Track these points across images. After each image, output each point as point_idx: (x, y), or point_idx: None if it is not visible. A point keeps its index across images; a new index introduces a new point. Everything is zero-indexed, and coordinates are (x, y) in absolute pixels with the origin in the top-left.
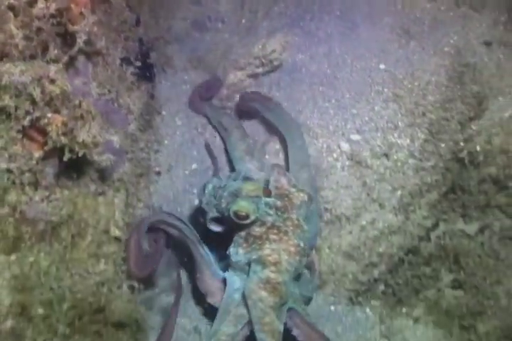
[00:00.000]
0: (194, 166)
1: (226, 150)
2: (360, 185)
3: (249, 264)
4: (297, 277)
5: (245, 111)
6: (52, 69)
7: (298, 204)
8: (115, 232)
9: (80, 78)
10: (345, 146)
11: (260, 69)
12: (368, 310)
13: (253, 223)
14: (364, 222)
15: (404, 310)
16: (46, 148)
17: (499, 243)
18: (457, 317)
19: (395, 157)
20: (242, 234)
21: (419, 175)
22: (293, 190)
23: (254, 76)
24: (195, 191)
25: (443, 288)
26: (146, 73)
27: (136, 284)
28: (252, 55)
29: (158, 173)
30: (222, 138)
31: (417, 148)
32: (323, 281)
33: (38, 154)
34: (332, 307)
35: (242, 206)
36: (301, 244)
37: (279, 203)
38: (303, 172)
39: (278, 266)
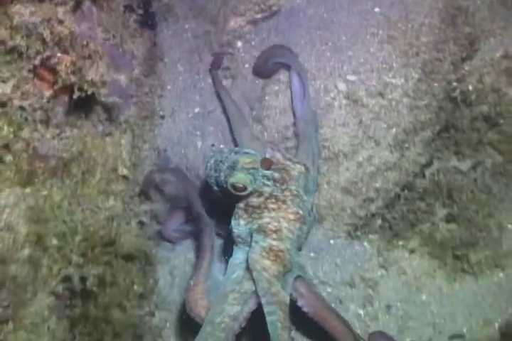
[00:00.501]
0: (197, 110)
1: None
2: (356, 123)
3: (251, 235)
4: (300, 245)
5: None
6: (60, 10)
7: (296, 176)
8: (123, 171)
9: (85, 23)
10: (342, 86)
11: (259, 15)
12: (365, 243)
13: (251, 194)
14: (361, 159)
15: (400, 242)
16: (56, 87)
17: (491, 179)
18: (451, 248)
19: (390, 96)
20: (241, 205)
21: (413, 113)
22: (289, 163)
23: (254, 22)
24: (198, 133)
25: (437, 221)
26: (148, 21)
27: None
28: (251, 1)
29: (162, 117)
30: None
31: (411, 87)
32: (322, 216)
33: (48, 93)
34: (331, 241)
35: (239, 177)
36: (300, 212)
37: (277, 175)
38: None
39: (279, 233)
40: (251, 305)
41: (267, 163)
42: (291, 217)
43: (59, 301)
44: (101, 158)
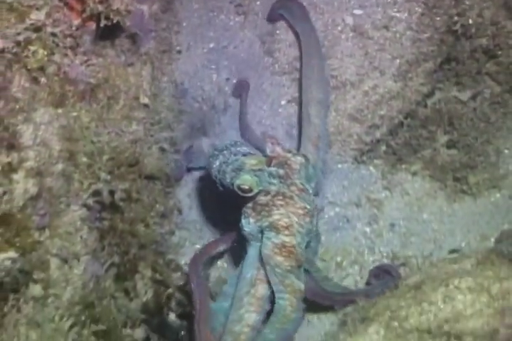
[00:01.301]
0: (211, 45)
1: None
2: (362, 54)
3: (261, 232)
4: (310, 239)
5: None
6: None
7: (297, 169)
8: (144, 100)
9: None
10: (349, 20)
11: None
12: (371, 167)
13: (258, 194)
14: (367, 88)
15: (403, 166)
16: (84, 15)
17: (489, 108)
18: (451, 170)
19: (394, 29)
20: (249, 205)
21: (416, 45)
22: (289, 155)
23: None
24: (213, 67)
25: (438, 147)
26: None
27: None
28: None
29: (179, 52)
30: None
31: (415, 21)
32: (330, 142)
33: (77, 22)
34: (339, 165)
35: (245, 180)
36: (308, 206)
37: (281, 171)
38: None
39: (290, 229)
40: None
41: (268, 160)
42: (300, 211)
43: (90, 213)
44: (124, 86)
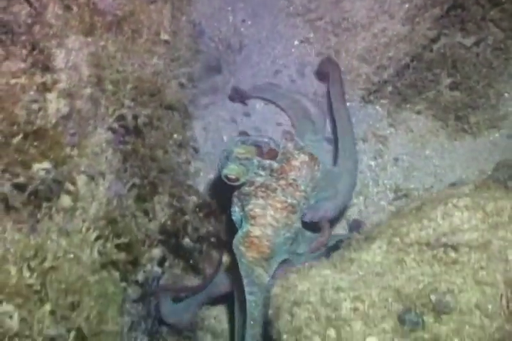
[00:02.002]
0: None
1: None
2: None
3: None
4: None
5: None
6: None
7: (297, 166)
8: (165, 36)
9: None
10: None
11: None
12: (377, 106)
13: (244, 184)
14: (376, 30)
15: (408, 106)
16: None
17: (492, 54)
18: (453, 110)
19: None
20: (236, 193)
21: None
22: (296, 152)
23: None
24: (229, 8)
25: (442, 89)
26: None
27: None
28: None
29: None
30: None
31: None
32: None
33: None
34: (347, 104)
35: (232, 169)
36: (289, 201)
37: (276, 165)
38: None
39: (259, 219)
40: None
41: (272, 153)
42: (278, 205)
43: (114, 136)
44: (147, 21)
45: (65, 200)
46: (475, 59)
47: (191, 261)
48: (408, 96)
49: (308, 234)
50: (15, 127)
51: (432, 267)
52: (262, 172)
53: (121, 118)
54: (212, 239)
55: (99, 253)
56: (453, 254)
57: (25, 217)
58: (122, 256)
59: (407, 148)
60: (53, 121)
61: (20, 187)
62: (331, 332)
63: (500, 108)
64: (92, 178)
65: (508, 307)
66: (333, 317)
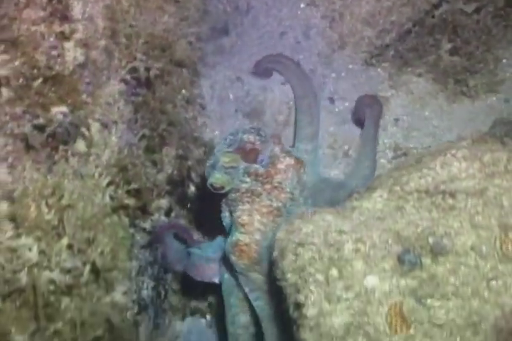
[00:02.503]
0: None
1: None
2: None
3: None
4: None
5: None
6: None
7: (282, 169)
8: None
9: None
10: None
11: None
12: (379, 69)
13: (230, 191)
14: None
15: (409, 69)
16: None
17: (492, 21)
18: (452, 74)
19: None
20: (224, 200)
21: None
22: (282, 155)
23: None
24: None
25: (442, 54)
26: None
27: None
28: None
29: None
30: None
31: None
32: (344, 42)
33: None
34: (350, 66)
35: (217, 178)
36: (274, 205)
37: (261, 170)
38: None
39: (247, 227)
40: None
41: (253, 153)
42: (264, 210)
43: (127, 88)
44: None
45: (80, 145)
46: (475, 25)
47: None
48: (409, 60)
49: None
50: (35, 71)
51: (431, 212)
52: (247, 179)
53: (133, 70)
54: None
55: (111, 197)
56: (450, 201)
57: (43, 158)
58: (132, 201)
59: (407, 109)
60: (70, 68)
61: (39, 128)
62: (333, 272)
63: (498, 73)
64: (105, 126)
65: (501, 248)
66: (336, 258)
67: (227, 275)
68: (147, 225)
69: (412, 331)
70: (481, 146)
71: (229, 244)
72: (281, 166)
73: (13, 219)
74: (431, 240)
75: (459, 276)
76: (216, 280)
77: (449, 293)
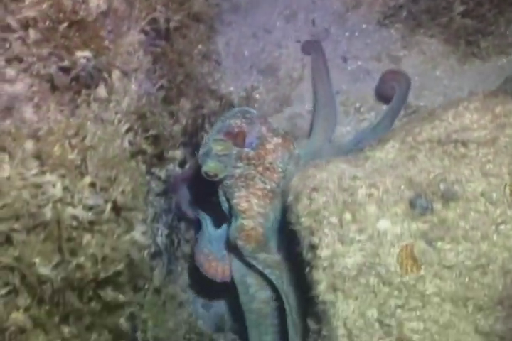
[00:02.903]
0: None
1: None
2: None
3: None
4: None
5: None
6: None
7: (271, 149)
8: None
9: None
10: None
11: None
12: (392, 30)
13: (225, 178)
14: None
15: (421, 30)
16: None
17: None
18: (464, 36)
19: None
20: (220, 186)
21: None
22: (269, 134)
23: None
24: None
25: (455, 16)
26: None
27: None
28: None
29: None
30: None
31: None
32: (358, 2)
33: None
34: (364, 26)
35: (210, 166)
36: (268, 187)
37: (251, 153)
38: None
39: (248, 212)
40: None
41: (240, 137)
42: (259, 193)
43: (146, 39)
44: None
45: (101, 91)
46: None
47: None
48: (422, 22)
49: None
50: (61, 15)
51: (442, 161)
52: (240, 164)
53: (153, 21)
54: None
55: (130, 143)
56: (462, 149)
57: (67, 100)
58: (149, 148)
59: (418, 69)
60: (94, 15)
61: (64, 70)
62: (347, 215)
63: (509, 35)
64: (125, 74)
65: (510, 195)
66: (350, 202)
67: (236, 260)
68: (162, 174)
69: (422, 272)
70: (492, 100)
71: (234, 229)
72: (269, 146)
73: (38, 157)
74: (442, 186)
75: (469, 221)
76: (227, 280)
77: (458, 237)
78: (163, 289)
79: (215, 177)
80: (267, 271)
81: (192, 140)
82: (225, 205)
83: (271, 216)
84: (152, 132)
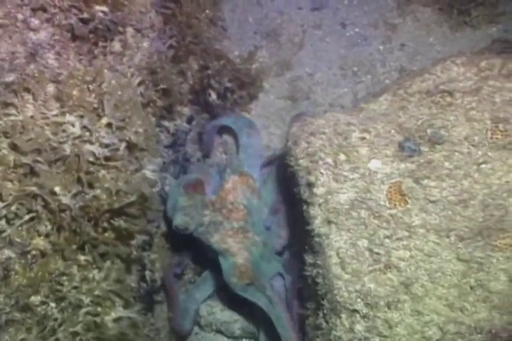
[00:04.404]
0: None
1: None
2: None
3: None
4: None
5: None
6: None
7: (230, 188)
8: None
9: None
10: None
11: None
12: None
13: (195, 228)
14: None
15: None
16: None
17: None
18: (457, 5)
19: None
20: (194, 233)
21: None
22: (226, 176)
23: None
24: None
25: None
26: None
27: None
28: None
29: None
30: None
31: None
32: None
33: None
34: None
35: (179, 221)
36: (236, 225)
37: (213, 197)
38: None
39: (230, 250)
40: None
41: (199, 186)
42: (230, 232)
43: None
44: None
45: (116, 45)
46: None
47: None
48: None
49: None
50: None
51: (430, 109)
52: (206, 212)
53: None
54: (235, 96)
55: (141, 94)
56: (448, 98)
57: (85, 51)
58: (160, 100)
59: (413, 36)
60: None
61: (84, 22)
62: (341, 156)
63: (499, 6)
64: (138, 31)
65: (491, 138)
66: (344, 144)
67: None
68: (171, 128)
69: (409, 206)
70: (478, 56)
71: (226, 270)
72: (228, 186)
73: (58, 99)
74: (429, 131)
75: (453, 161)
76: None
77: (443, 175)
78: None
79: (186, 230)
80: (257, 301)
81: (199, 98)
82: (207, 251)
83: (252, 249)
84: (162, 86)
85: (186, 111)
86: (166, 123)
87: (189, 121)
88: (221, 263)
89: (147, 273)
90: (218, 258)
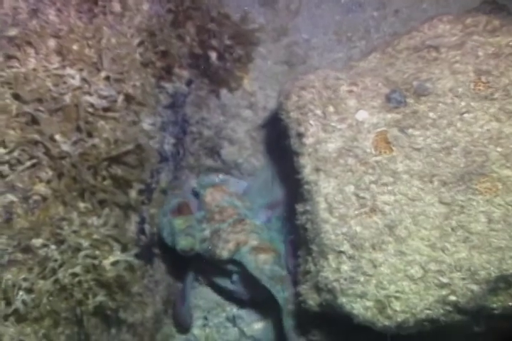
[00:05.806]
0: None
1: None
2: None
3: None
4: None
5: None
6: None
7: (209, 200)
8: None
9: None
10: None
11: None
12: None
13: (200, 247)
14: None
15: None
16: None
17: None
18: None
19: None
20: (201, 251)
21: None
22: (202, 191)
23: None
24: None
25: None
26: None
27: None
28: None
29: None
30: None
31: None
32: None
33: None
34: None
35: (183, 244)
36: (232, 221)
37: (203, 213)
38: None
39: (242, 239)
40: None
41: (185, 207)
42: (229, 229)
43: None
44: None
45: (116, 6)
46: None
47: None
48: None
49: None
50: None
51: (416, 63)
52: (204, 225)
53: None
54: (235, 55)
55: (141, 55)
56: (434, 53)
57: (85, 9)
58: (159, 60)
59: (406, 2)
60: None
61: None
62: (330, 108)
63: None
64: None
65: (474, 89)
66: (333, 97)
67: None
68: (170, 90)
69: (394, 153)
70: (464, 15)
71: (246, 253)
72: (208, 198)
73: (59, 53)
74: (415, 83)
75: (437, 111)
76: None
77: (427, 124)
78: None
79: (192, 251)
80: (268, 284)
81: (198, 62)
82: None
83: (258, 231)
84: (161, 48)
85: (185, 74)
86: (165, 84)
87: (188, 83)
88: (244, 262)
89: (146, 226)
90: (234, 264)
